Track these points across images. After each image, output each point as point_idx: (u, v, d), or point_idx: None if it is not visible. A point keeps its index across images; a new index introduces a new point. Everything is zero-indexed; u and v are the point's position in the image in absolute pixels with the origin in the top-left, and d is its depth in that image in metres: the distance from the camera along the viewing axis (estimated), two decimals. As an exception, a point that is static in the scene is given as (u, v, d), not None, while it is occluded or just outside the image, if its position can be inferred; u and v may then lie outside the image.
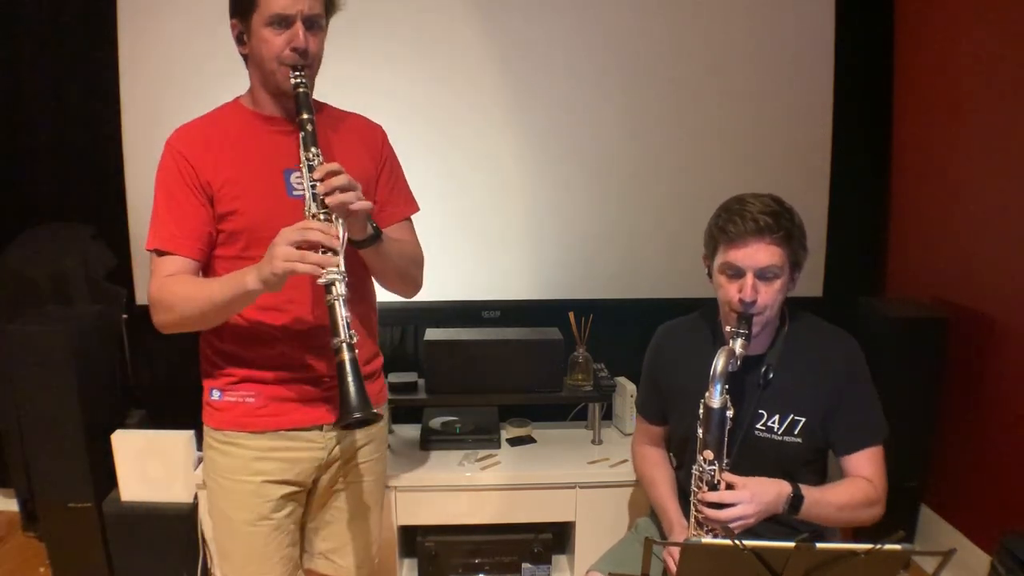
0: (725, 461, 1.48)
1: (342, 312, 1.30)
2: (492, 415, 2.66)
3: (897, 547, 1.15)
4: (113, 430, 2.24)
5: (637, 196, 2.75)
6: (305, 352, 1.49)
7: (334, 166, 1.35)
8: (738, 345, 1.46)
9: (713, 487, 1.45)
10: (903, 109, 2.80)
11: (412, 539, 2.41)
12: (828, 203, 2.77)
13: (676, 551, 1.49)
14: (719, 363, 1.43)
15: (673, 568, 1.50)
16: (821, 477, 1.67)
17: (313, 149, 1.37)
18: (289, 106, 1.44)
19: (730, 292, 1.52)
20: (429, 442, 2.49)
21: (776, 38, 2.69)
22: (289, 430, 1.51)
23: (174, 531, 2.25)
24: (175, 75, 2.55)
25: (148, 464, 2.21)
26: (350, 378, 1.28)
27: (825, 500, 1.51)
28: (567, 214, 2.74)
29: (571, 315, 2.53)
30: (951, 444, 2.52)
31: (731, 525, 1.42)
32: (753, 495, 1.44)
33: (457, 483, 2.33)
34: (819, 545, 1.15)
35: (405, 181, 1.66)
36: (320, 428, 1.53)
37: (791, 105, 2.73)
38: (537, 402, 2.55)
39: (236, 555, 1.53)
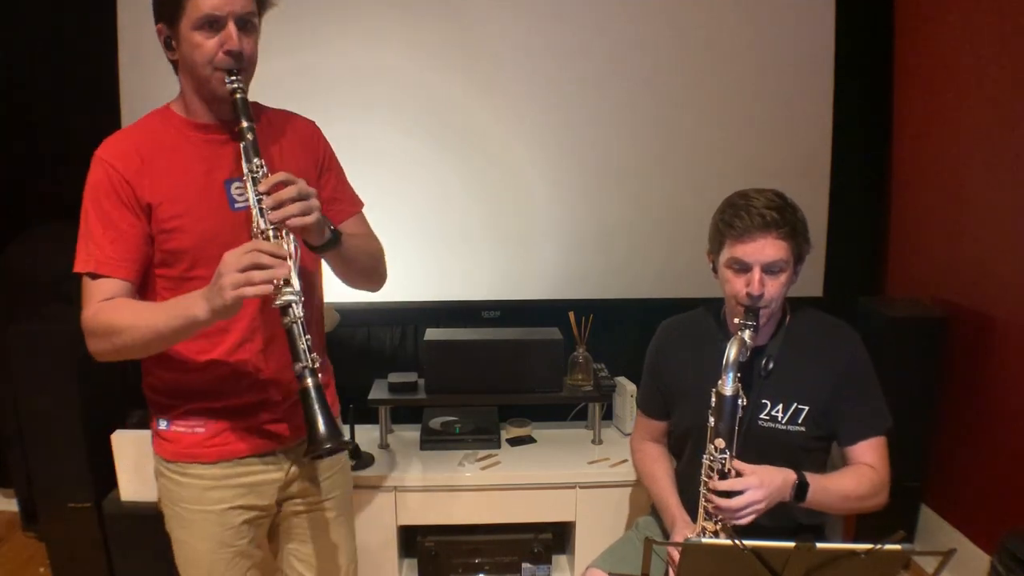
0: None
1: (302, 335, 1.24)
2: (492, 415, 2.65)
3: (897, 547, 1.15)
4: (113, 430, 2.23)
5: (637, 196, 2.75)
6: (251, 378, 1.43)
7: (281, 176, 1.27)
8: (747, 335, 1.48)
9: (724, 475, 1.47)
10: (903, 108, 2.79)
11: (412, 539, 2.40)
12: (828, 203, 2.77)
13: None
14: (731, 352, 1.45)
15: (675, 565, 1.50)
16: (823, 468, 1.67)
17: (256, 160, 1.30)
18: (225, 112, 1.36)
19: (737, 286, 1.54)
20: (429, 442, 2.49)
21: (776, 38, 2.69)
22: (242, 458, 1.45)
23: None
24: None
25: (148, 464, 2.20)
26: (316, 407, 1.22)
27: (830, 488, 1.53)
28: (567, 214, 2.74)
29: (571, 315, 2.54)
30: (951, 444, 2.52)
31: (742, 513, 1.44)
32: (762, 481, 1.45)
33: (457, 483, 2.33)
34: (819, 545, 1.15)
35: (346, 177, 1.58)
36: (273, 453, 1.47)
37: (791, 105, 2.73)
38: (537, 402, 2.55)
39: None
